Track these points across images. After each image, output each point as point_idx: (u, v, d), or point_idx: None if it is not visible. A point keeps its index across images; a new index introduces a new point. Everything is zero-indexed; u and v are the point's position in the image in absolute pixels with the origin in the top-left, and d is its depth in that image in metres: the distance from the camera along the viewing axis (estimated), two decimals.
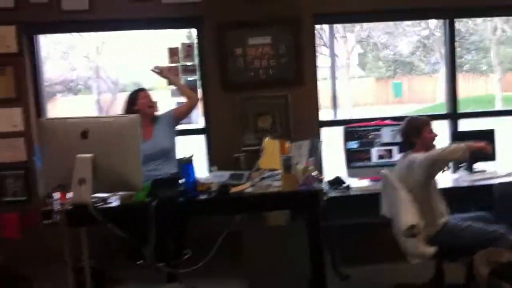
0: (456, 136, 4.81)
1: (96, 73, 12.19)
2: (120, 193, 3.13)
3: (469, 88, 9.61)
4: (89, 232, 3.51)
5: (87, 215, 2.92)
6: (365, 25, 10.29)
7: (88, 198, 2.93)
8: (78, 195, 2.95)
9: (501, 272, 2.50)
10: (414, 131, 3.71)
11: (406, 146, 3.78)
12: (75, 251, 3.41)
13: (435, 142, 3.73)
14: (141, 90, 4.20)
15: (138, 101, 4.09)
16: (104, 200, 3.17)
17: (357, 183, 4.47)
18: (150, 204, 3.02)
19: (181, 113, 4.27)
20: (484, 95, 10.28)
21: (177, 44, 4.69)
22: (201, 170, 4.48)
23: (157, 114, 4.20)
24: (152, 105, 4.13)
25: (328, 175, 4.57)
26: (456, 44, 5.02)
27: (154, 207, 2.99)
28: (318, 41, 7.89)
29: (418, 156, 3.55)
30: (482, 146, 3.45)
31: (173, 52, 4.69)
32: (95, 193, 3.06)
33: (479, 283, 2.57)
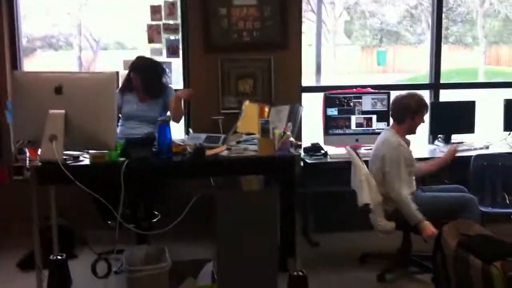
0: (437, 106, 4.81)
1: (78, 30, 11.91)
2: (92, 151, 3.06)
3: (453, 60, 9.59)
4: (60, 191, 3.47)
5: (57, 173, 2.87)
6: None
7: (59, 155, 2.88)
8: (48, 152, 2.90)
9: (468, 245, 2.51)
10: (414, 109, 3.66)
11: (394, 117, 3.76)
12: (45, 209, 3.37)
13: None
14: (132, 69, 4.07)
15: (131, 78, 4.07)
16: (75, 158, 3.10)
17: (335, 151, 4.45)
18: (122, 163, 2.95)
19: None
20: (468, 68, 10.27)
21: (159, 1, 4.58)
22: (179, 132, 4.44)
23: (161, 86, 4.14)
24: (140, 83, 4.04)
25: (306, 141, 4.54)
26: (443, 15, 4.96)
27: (125, 167, 2.93)
28: (305, 6, 7.75)
29: (389, 149, 3.60)
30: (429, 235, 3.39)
31: (155, 9, 4.57)
32: (66, 150, 3.02)
33: (446, 254, 2.58)
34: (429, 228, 3.38)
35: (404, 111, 3.68)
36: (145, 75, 4.05)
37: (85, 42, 12.42)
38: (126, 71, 4.18)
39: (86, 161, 3.09)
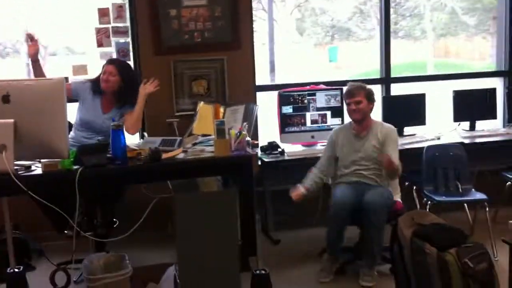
0: (389, 99, 4.89)
1: (25, 36, 11.53)
2: (44, 160, 2.98)
3: (403, 54, 9.78)
4: (12, 202, 3.37)
5: (8, 184, 2.79)
6: None
7: (10, 166, 2.80)
8: None
9: (423, 234, 2.58)
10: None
11: None
12: None
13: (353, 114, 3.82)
14: (109, 63, 3.92)
15: (102, 72, 3.88)
16: (27, 167, 3.02)
17: (291, 148, 4.48)
18: (75, 171, 2.89)
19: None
20: (417, 61, 10.49)
21: (107, 4, 4.51)
22: (134, 137, 4.38)
23: (122, 97, 3.86)
24: (108, 81, 3.82)
25: (263, 140, 4.55)
26: (392, 10, 5.07)
27: (79, 175, 2.87)
28: (256, 5, 7.76)
29: None
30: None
31: (103, 12, 4.50)
32: (18, 160, 2.94)
33: (402, 244, 2.64)
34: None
35: None
36: (126, 77, 3.87)
37: None
38: (77, 77, 4.07)
39: (39, 171, 3.01)
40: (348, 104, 3.80)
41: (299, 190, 3.77)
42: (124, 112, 3.86)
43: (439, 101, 5.41)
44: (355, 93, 3.78)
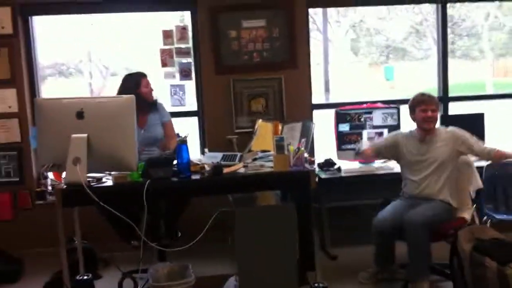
0: (447, 119, 4.86)
1: (88, 56, 12.10)
2: (115, 172, 3.16)
3: (461, 74, 9.66)
4: (80, 213, 3.56)
5: (81, 195, 2.97)
6: (358, 10, 10.26)
7: (83, 178, 2.98)
8: (72, 174, 3.00)
9: (483, 248, 2.58)
10: (410, 107, 3.88)
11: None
12: (66, 232, 3.47)
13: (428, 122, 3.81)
14: (144, 75, 4.14)
15: (141, 85, 4.06)
16: (98, 179, 3.20)
17: (348, 165, 4.53)
18: (143, 183, 3.05)
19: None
20: (475, 82, 10.32)
21: (171, 26, 4.73)
22: (194, 152, 4.54)
23: (155, 101, 4.17)
24: (151, 93, 4.10)
25: (319, 157, 4.63)
26: (449, 30, 5.07)
27: (146, 187, 3.03)
28: (311, 26, 7.90)
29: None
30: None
31: (167, 34, 4.72)
32: (89, 172, 3.12)
33: (462, 258, 2.66)
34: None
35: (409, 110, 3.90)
36: None
37: (95, 69, 12.64)
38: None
39: (109, 183, 3.19)
40: (423, 111, 3.77)
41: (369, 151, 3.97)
42: (162, 120, 4.12)
43: (498, 120, 5.33)
44: (431, 101, 3.82)
